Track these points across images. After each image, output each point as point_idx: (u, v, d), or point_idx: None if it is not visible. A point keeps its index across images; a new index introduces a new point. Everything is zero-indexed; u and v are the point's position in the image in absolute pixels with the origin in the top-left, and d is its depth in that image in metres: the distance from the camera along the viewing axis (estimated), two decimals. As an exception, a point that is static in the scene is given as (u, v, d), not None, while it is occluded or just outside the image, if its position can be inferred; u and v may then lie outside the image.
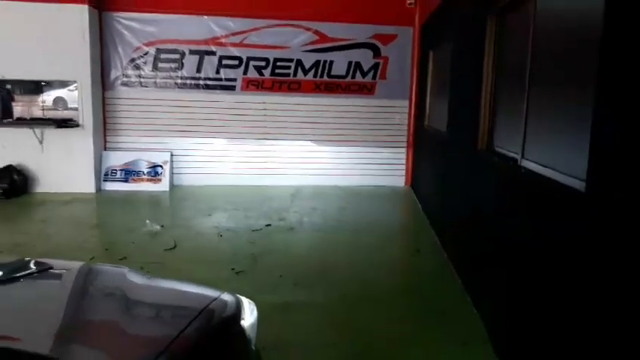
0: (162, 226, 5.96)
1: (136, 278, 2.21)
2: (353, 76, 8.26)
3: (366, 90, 8.31)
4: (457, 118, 5.28)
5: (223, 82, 8.15)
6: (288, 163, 8.40)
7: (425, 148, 7.50)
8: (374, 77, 8.28)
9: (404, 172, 8.54)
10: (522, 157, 3.37)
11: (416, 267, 5.10)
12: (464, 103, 4.99)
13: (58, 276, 2.24)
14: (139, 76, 8.02)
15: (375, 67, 8.25)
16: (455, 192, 5.18)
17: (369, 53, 8.21)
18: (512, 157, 3.56)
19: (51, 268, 2.22)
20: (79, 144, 7.52)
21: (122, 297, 2.04)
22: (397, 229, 6.61)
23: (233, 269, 4.69)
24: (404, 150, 8.48)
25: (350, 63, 8.20)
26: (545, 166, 2.98)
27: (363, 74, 8.26)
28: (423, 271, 4.91)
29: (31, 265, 2.22)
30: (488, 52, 4.17)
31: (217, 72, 8.11)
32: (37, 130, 7.46)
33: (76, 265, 2.33)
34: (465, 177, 4.73)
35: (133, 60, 7.97)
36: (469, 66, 4.77)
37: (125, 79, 8.01)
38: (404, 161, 8.52)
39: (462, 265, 4.64)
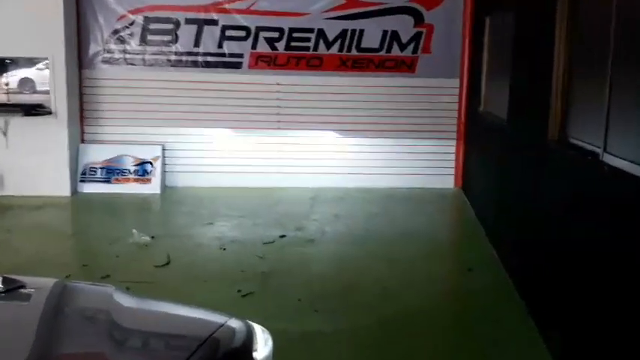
0: (152, 236, 6.01)
1: (125, 300, 2.24)
2: (388, 50, 8.20)
3: (405, 67, 8.26)
4: (521, 102, 5.25)
5: (227, 59, 8.18)
6: (307, 159, 8.38)
7: (480, 139, 7.46)
8: (415, 51, 8.22)
9: (453, 170, 8.48)
10: (604, 150, 3.34)
11: (466, 288, 5.09)
12: (530, 82, 4.96)
13: (31, 296, 2.29)
14: (124, 52, 8.09)
15: (417, 37, 8.19)
16: (518, 193, 5.14)
17: (409, 20, 8.16)
18: (591, 150, 3.52)
19: (22, 286, 2.27)
20: (51, 136, 7.61)
21: (108, 322, 2.08)
22: (443, 241, 6.59)
23: (239, 291, 4.73)
24: (453, 142, 8.42)
25: (385, 33, 8.16)
26: (635, 163, 2.95)
27: (402, 47, 8.20)
28: (475, 294, 4.88)
29: (-2, 282, 2.27)
30: (561, 16, 4.13)
31: (219, 46, 8.14)
32: (0, 119, 7.57)
33: (54, 283, 2.36)
34: (531, 175, 4.70)
35: (116, 31, 8.05)
36: (537, 35, 4.72)
37: (107, 56, 8.09)
38: (453, 156, 8.46)
39: (526, 284, 4.60)
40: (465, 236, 6.65)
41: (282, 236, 6.19)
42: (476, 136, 7.73)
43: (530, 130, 4.80)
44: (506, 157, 5.69)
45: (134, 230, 6.04)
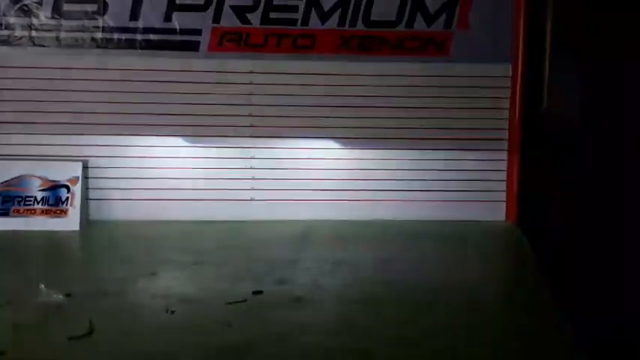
0: (67, 294, 5.92)
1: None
2: (409, 24, 8.14)
3: (434, 47, 8.20)
4: (604, 92, 5.16)
5: (178, 37, 8.11)
6: (294, 181, 8.35)
7: (545, 150, 7.33)
8: (447, 24, 8.16)
9: (503, 196, 8.40)
10: None
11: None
12: (618, 67, 4.87)
13: None
14: (30, 28, 8.00)
15: (450, 5, 8.12)
16: (607, 236, 5.02)
17: (439, -19, 8.17)
18: None
19: None
20: None
21: None
22: (492, 303, 6.35)
23: (192, 379, 4.63)
24: (502, 156, 8.35)
25: (404, -1, 8.14)
26: None
27: (429, 19, 8.14)
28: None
29: None
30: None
31: (167, 18, 8.06)
32: None
33: None
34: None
35: (17, -1, 8.00)
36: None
37: (4, 33, 8.00)
38: (503, 176, 8.38)
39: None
40: (523, 298, 6.34)
41: (258, 292, 6.08)
42: (539, 147, 7.68)
43: (623, 137, 4.71)
44: (582, 178, 5.63)
45: (41, 285, 5.95)
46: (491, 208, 8.43)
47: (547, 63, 7.28)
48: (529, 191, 8.04)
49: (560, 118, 6.51)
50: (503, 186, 8.41)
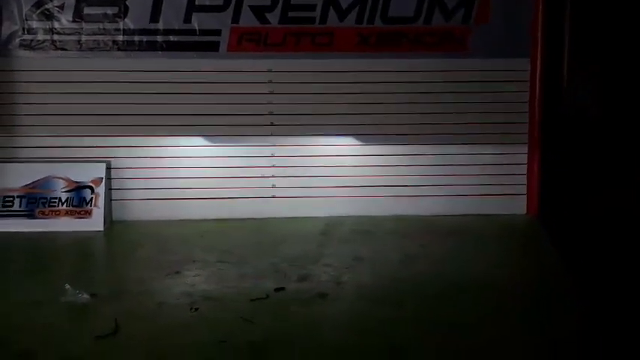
0: (93, 294, 5.94)
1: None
2: (428, 19, 8.12)
3: (453, 43, 8.18)
4: (624, 85, 5.12)
5: (198, 38, 8.13)
6: (315, 178, 8.36)
7: (565, 143, 7.29)
8: (466, 19, 8.13)
9: (524, 190, 8.38)
10: None
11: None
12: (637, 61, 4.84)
13: None
14: (52, 32, 8.04)
15: (468, 0, 8.10)
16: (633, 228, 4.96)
17: (457, -24, 8.16)
18: None
19: None
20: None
21: None
22: (515, 295, 6.23)
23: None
24: (523, 149, 8.33)
25: (422, -6, 8.12)
26: None
27: (447, 14, 8.12)
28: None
29: None
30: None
31: (187, 20, 8.10)
32: None
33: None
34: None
35: (40, 3, 8.00)
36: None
37: (27, 38, 8.04)
38: (523, 170, 8.36)
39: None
40: (546, 295, 6.23)
41: (280, 289, 6.09)
42: (560, 140, 7.63)
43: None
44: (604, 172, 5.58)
45: (67, 286, 5.94)
46: (513, 201, 8.40)
47: (566, 56, 7.21)
48: (550, 185, 7.99)
49: (580, 112, 6.44)
50: (523, 180, 8.39)
